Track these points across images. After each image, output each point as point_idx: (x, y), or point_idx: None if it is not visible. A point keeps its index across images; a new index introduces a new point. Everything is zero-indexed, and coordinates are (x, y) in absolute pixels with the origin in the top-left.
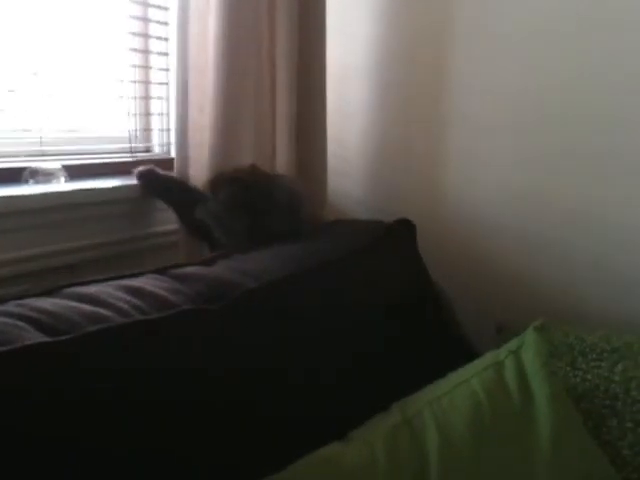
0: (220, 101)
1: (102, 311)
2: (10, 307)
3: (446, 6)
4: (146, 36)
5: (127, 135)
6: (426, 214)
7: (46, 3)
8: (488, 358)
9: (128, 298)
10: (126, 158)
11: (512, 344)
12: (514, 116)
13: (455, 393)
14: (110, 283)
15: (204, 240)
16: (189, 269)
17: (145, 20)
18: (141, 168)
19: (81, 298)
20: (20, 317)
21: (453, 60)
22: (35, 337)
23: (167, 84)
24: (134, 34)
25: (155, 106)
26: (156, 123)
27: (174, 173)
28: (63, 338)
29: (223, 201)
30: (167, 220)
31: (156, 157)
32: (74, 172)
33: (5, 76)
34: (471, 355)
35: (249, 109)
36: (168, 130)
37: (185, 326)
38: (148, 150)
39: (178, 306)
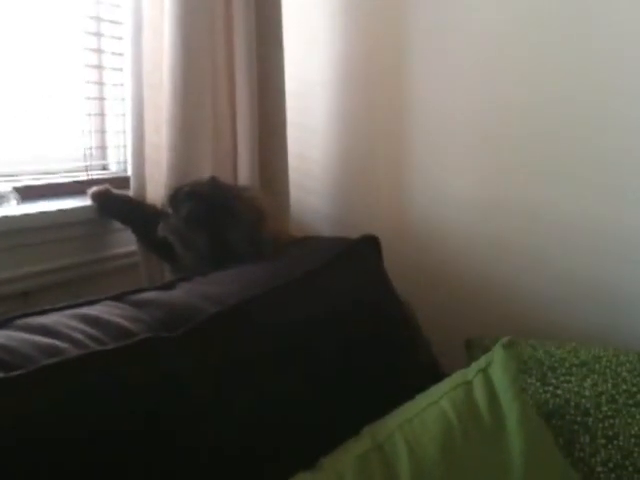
0: (177, 118)
1: (57, 343)
2: None
3: (405, 19)
4: (99, 51)
5: (82, 153)
6: (392, 228)
7: None
8: (457, 377)
9: (84, 328)
10: (81, 177)
11: (480, 362)
12: (478, 128)
13: (425, 415)
14: (65, 312)
15: (166, 260)
16: (148, 294)
17: (98, 35)
18: (95, 188)
19: (35, 329)
20: None
21: (415, 72)
22: None
23: (122, 100)
24: (88, 49)
25: (110, 123)
26: (112, 140)
27: (130, 192)
28: (17, 373)
29: (183, 216)
30: (125, 241)
31: (113, 175)
32: (26, 193)
33: None
34: (438, 374)
35: (207, 126)
36: (124, 147)
37: (144, 355)
38: (104, 168)
39: (137, 335)
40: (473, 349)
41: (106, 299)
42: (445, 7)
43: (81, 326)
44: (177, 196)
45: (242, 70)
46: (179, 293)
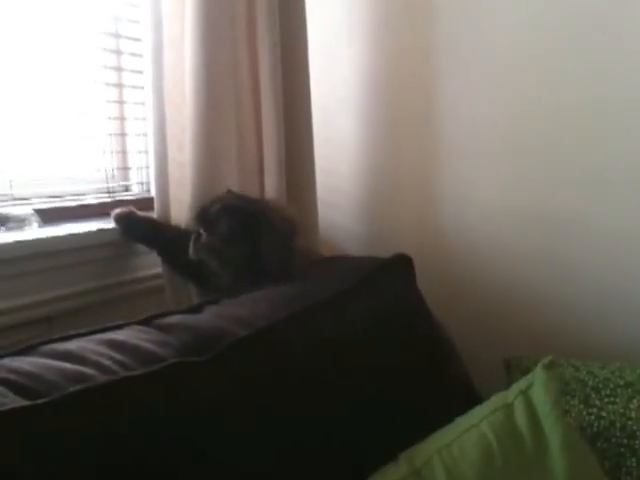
0: (200, 136)
1: (84, 369)
2: None
3: (430, 31)
4: (119, 69)
5: (104, 175)
6: (422, 245)
7: (13, 40)
8: (497, 400)
9: (111, 353)
10: (103, 199)
11: (521, 383)
12: (507, 141)
13: (464, 439)
14: (91, 338)
15: (193, 281)
16: (175, 318)
17: (118, 53)
18: (119, 210)
19: (61, 356)
20: None
21: (441, 85)
22: (13, 401)
23: (144, 119)
24: (107, 67)
25: (132, 143)
26: (134, 161)
27: (154, 213)
28: (43, 401)
29: (223, 233)
30: (149, 264)
31: (135, 196)
32: (48, 216)
33: None
34: (473, 395)
35: (232, 143)
36: (147, 168)
37: (172, 381)
38: (127, 189)
39: (164, 359)
40: (512, 369)
41: (132, 323)
42: (471, 17)
43: (108, 351)
44: (208, 214)
45: (267, 84)
46: (206, 316)
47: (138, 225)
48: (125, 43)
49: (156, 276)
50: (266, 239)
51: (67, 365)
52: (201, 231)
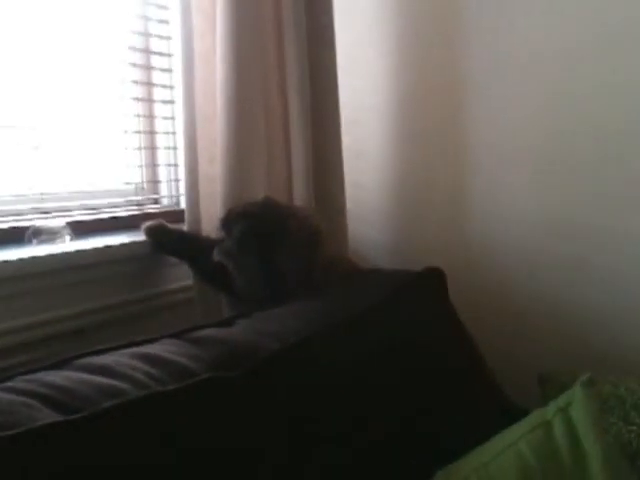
0: (231, 149)
1: (118, 384)
2: (18, 383)
3: (459, 39)
4: (150, 84)
5: (133, 188)
6: (451, 257)
7: (45, 53)
8: (535, 417)
9: (144, 367)
10: (133, 211)
11: (560, 401)
12: (540, 151)
13: (502, 458)
14: (125, 351)
15: (222, 289)
16: (206, 332)
17: (148, 68)
18: (149, 223)
19: (94, 370)
20: (30, 394)
21: (469, 95)
22: (47, 416)
23: (174, 133)
24: (137, 82)
25: (162, 156)
26: (164, 174)
27: (185, 225)
28: (77, 417)
29: (234, 237)
30: (180, 276)
31: (165, 209)
32: (79, 229)
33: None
34: (507, 409)
35: (262, 156)
36: (177, 181)
37: (205, 396)
38: (156, 202)
39: (197, 374)
40: (547, 385)
41: (165, 337)
42: (501, 27)
43: (141, 365)
44: (229, 218)
45: (295, 97)
46: (238, 330)
47: (169, 237)
48: (156, 59)
49: (186, 288)
50: (283, 247)
51: (101, 379)
52: (223, 235)
